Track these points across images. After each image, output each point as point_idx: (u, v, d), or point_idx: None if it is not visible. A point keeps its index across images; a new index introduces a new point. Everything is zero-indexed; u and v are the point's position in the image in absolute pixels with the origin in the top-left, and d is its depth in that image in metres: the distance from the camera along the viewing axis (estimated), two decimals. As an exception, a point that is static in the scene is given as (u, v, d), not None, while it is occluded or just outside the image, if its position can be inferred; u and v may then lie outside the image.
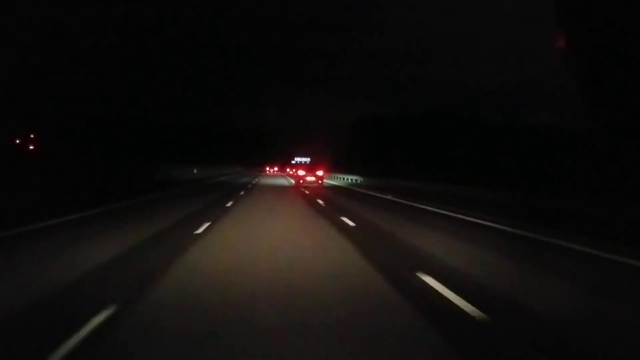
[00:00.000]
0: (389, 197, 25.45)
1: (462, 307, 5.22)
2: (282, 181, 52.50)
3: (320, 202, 20.87)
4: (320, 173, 45.14)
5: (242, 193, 26.72)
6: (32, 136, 46.21)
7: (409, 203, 21.25)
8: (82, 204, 15.19)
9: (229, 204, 18.48)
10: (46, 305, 5.16)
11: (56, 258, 7.62)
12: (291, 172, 65.11)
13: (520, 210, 16.19)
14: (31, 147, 43.38)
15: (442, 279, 6.37)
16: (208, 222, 12.30)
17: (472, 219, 14.59)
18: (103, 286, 5.94)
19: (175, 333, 4.33)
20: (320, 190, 32.53)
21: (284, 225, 12.74)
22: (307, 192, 29.44)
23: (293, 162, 73.42)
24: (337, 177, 59.72)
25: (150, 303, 5.26)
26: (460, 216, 15.52)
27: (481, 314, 4.98)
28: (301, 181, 44.27)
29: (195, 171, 52.45)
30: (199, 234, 10.42)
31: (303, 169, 48.53)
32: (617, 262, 8.20)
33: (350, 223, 12.93)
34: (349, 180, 53.61)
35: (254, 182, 45.22)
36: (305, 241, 9.93)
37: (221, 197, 22.51)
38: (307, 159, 74.43)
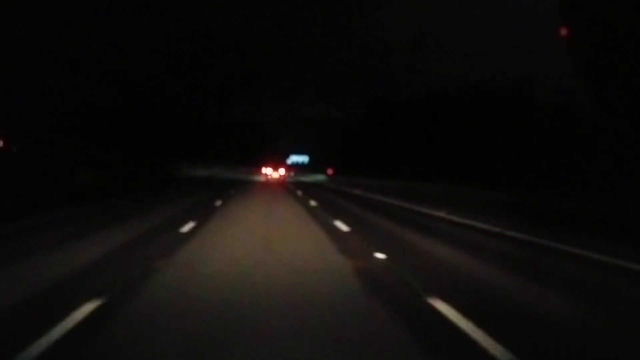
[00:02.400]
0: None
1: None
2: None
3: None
4: (282, 172, 66.46)
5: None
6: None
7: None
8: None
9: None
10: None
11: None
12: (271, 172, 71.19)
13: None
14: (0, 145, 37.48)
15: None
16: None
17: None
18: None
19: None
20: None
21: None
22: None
23: (289, 161, 74.79)
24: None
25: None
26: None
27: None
28: (268, 177, 63.67)
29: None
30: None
31: (272, 168, 67.91)
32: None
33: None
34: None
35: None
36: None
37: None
38: (305, 158, 76.11)
